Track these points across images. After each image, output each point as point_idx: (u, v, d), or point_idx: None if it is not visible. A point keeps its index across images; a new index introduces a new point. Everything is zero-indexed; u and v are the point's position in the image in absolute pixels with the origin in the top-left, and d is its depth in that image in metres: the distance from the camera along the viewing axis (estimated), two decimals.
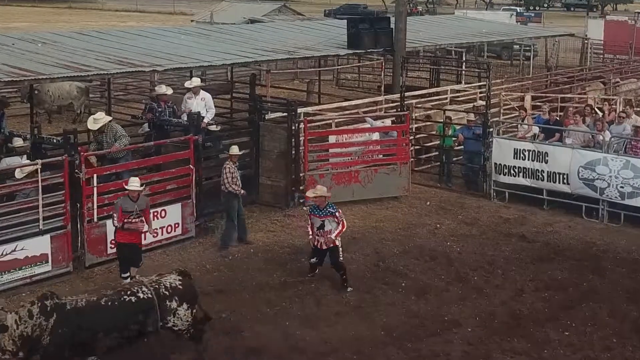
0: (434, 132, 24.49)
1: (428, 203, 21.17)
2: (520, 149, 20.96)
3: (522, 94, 28.59)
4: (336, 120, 23.05)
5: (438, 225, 19.51)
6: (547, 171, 20.53)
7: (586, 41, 45.20)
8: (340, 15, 61.16)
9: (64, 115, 29.11)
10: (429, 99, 27.67)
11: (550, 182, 20.57)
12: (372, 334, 14.09)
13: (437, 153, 24.28)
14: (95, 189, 16.38)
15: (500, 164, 21.27)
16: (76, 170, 16.11)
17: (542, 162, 20.59)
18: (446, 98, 28.20)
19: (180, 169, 18.09)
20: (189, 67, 22.21)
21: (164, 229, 17.60)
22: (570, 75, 34.21)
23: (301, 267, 16.66)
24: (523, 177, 20.93)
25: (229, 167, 17.68)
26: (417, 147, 24.30)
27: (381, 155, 21.75)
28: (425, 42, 30.46)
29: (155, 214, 17.12)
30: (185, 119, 19.75)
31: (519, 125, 23.29)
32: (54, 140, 17.72)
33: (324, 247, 15.82)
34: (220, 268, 16.83)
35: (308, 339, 13.77)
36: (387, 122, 22.95)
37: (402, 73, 24.54)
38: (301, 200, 20.00)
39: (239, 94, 25.74)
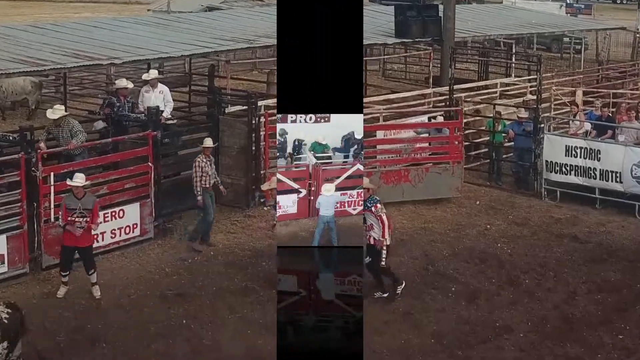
0: (483, 128, 24.06)
1: (478, 202, 20.81)
2: (572, 146, 20.58)
3: (573, 88, 28.11)
4: (383, 114, 22.75)
5: (488, 226, 19.22)
6: (600, 169, 20.15)
7: (638, 35, 44.38)
8: (387, 1, 60.43)
9: (18, 111, 28.11)
10: (477, 92, 27.25)
11: (602, 180, 20.20)
12: (422, 341, 13.91)
13: (486, 150, 23.82)
14: (52, 187, 15.95)
15: (551, 162, 20.89)
16: (33, 168, 15.73)
17: (594, 159, 20.22)
18: (495, 92, 27.76)
19: (138, 166, 17.53)
20: (148, 59, 21.43)
21: (122, 230, 17.04)
22: (622, 70, 33.61)
23: (262, 271, 16.22)
24: (575, 175, 20.55)
25: (199, 161, 16.95)
26: (466, 143, 23.58)
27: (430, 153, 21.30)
28: (474, 32, 29.66)
29: (113, 214, 16.76)
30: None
31: (570, 122, 22.89)
32: (10, 138, 17.27)
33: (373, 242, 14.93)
34: (179, 271, 16.39)
35: (269, 347, 12.35)
36: (439, 118, 22.47)
37: (451, 65, 23.82)
38: (262, 200, 19.37)
39: (198, 87, 25.11)
